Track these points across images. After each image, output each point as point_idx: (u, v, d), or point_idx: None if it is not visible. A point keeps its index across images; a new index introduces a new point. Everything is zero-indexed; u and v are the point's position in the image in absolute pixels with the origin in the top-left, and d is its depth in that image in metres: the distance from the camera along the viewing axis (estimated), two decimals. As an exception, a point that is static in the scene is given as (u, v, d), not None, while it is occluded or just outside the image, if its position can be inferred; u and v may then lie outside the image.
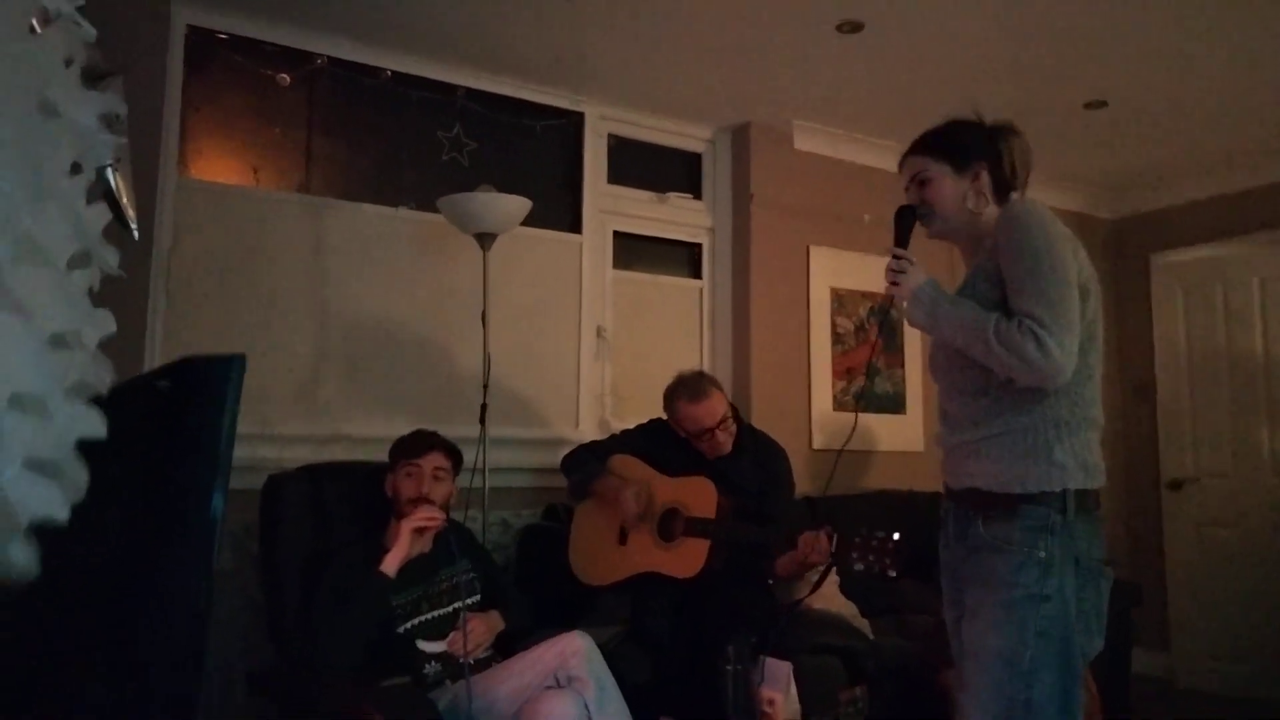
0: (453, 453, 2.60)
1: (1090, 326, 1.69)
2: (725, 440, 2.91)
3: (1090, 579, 1.66)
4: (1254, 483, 4.41)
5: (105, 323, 0.97)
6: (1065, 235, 1.70)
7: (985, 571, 1.69)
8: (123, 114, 1.89)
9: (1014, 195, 1.86)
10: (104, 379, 0.96)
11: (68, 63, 0.96)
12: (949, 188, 1.85)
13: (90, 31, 1.04)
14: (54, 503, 0.88)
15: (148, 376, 1.24)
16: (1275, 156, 4.33)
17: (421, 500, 2.45)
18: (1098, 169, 4.48)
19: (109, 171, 1.87)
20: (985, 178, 1.84)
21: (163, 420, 1.27)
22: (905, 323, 4.26)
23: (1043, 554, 1.63)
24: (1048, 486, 1.65)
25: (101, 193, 1.91)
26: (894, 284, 1.82)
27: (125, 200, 1.93)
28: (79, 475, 0.94)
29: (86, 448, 1.01)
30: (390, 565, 2.37)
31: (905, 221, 1.91)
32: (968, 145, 1.87)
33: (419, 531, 2.43)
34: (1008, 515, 1.67)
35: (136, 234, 2.01)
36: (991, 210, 1.84)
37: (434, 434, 2.61)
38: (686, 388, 2.94)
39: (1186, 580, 4.50)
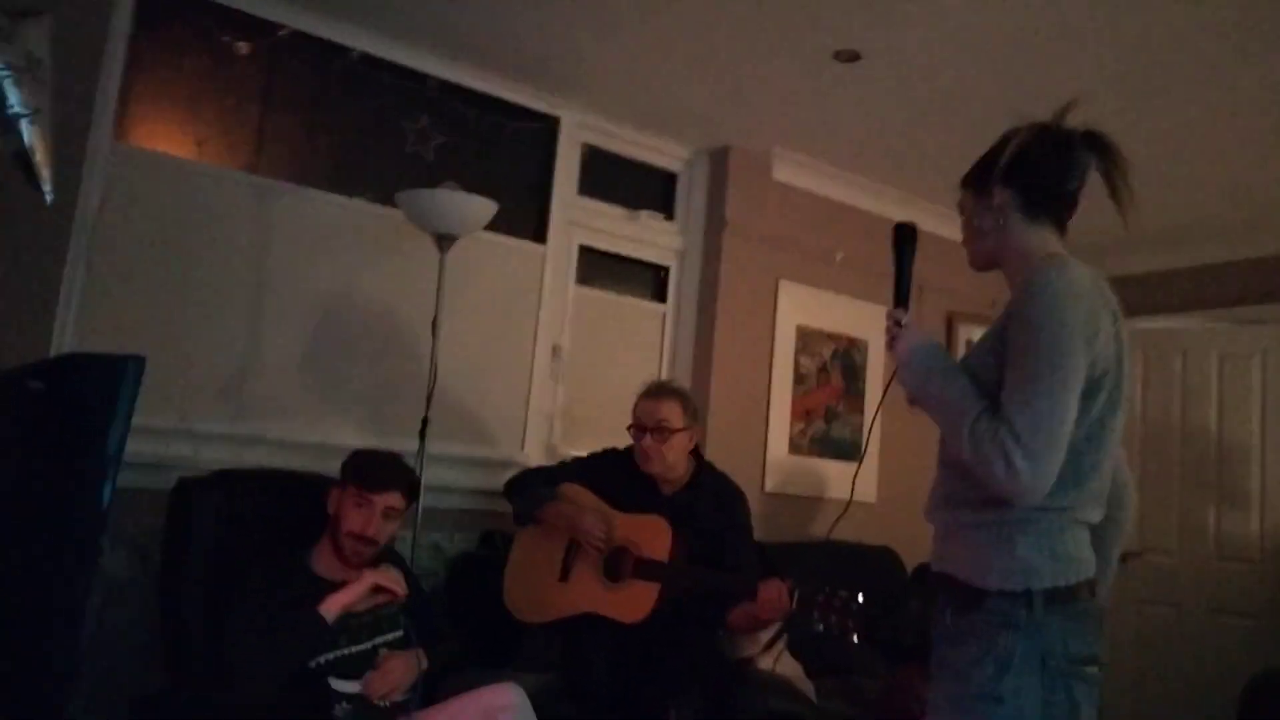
0: (412, 491, 2.37)
1: (1094, 425, 1.52)
2: (653, 452, 2.69)
3: (1060, 680, 1.47)
4: (1198, 564, 4.37)
5: None
6: (1084, 321, 1.49)
7: (944, 661, 1.56)
8: (46, 60, 1.65)
9: (1046, 239, 1.65)
10: None
11: None
12: (973, 215, 1.70)
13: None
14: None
15: (22, 372, 1.04)
16: (1248, 232, 4.32)
17: (364, 541, 2.23)
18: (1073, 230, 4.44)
19: (23, 124, 1.64)
20: (1008, 197, 1.65)
21: (41, 419, 1.09)
22: (867, 369, 4.10)
23: (1001, 651, 1.47)
24: (1007, 585, 1.50)
25: (13, 148, 1.67)
26: (888, 344, 1.68)
27: (39, 158, 1.69)
28: None
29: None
30: (332, 608, 2.12)
31: (904, 244, 1.74)
32: (989, 162, 1.68)
33: (378, 590, 2.20)
34: (972, 607, 1.53)
35: (50, 197, 1.78)
36: (1026, 242, 1.65)
37: (398, 466, 2.35)
38: (650, 385, 2.84)
39: (1124, 658, 4.43)
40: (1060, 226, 1.67)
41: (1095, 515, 1.57)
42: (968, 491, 1.55)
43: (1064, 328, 1.47)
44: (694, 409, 2.81)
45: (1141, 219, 4.11)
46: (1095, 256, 1.66)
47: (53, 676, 1.12)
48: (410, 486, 2.35)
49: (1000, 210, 1.65)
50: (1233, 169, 3.65)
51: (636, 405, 2.77)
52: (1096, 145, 1.63)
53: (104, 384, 1.00)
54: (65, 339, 2.61)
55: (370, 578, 2.19)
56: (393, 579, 2.23)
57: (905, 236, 1.75)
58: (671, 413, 2.71)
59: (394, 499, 2.28)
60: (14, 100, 1.52)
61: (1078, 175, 1.64)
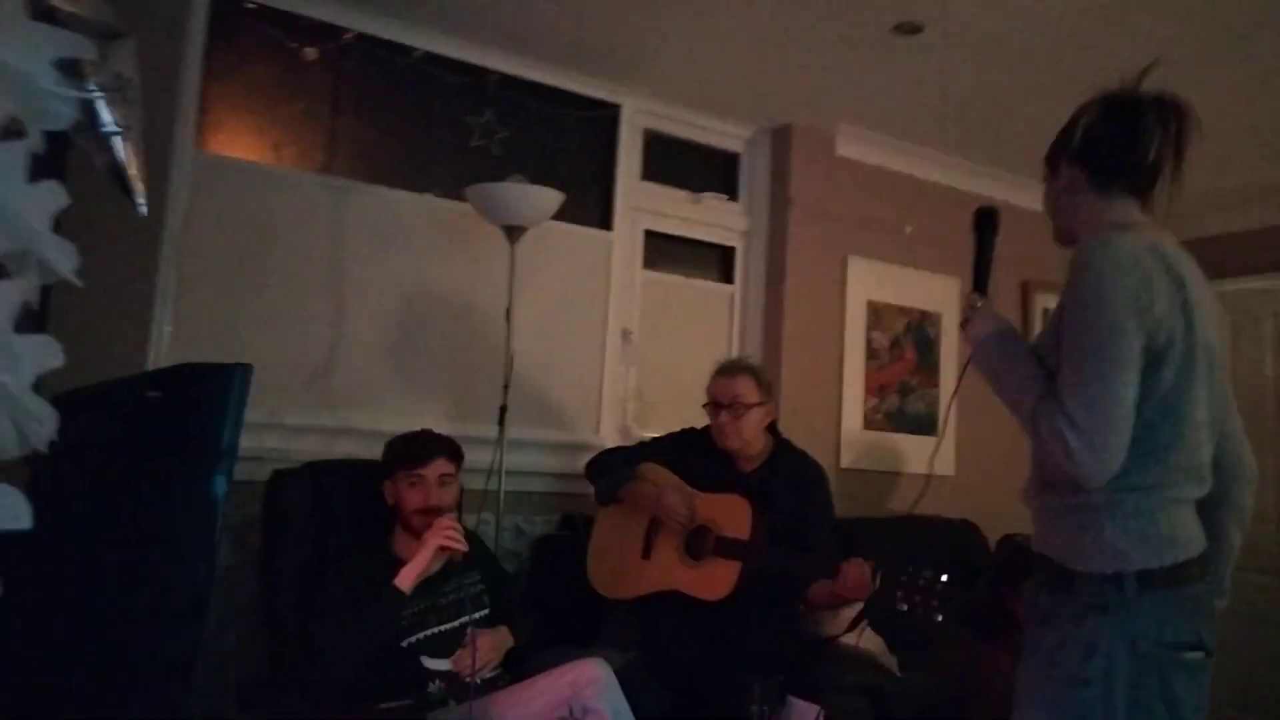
0: (456, 453, 2.44)
1: (1168, 396, 1.46)
2: (729, 428, 2.71)
3: (1152, 666, 1.42)
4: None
5: (43, 352, 0.76)
6: (1133, 293, 1.43)
7: (1035, 643, 1.55)
8: (134, 78, 1.74)
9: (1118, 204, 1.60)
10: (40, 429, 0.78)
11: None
12: (1051, 192, 1.69)
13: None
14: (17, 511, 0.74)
15: (140, 380, 1.12)
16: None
17: (434, 510, 2.30)
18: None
19: (117, 141, 1.72)
20: (1076, 173, 1.62)
21: (158, 426, 1.16)
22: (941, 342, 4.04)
23: (1088, 633, 1.44)
24: (1097, 567, 1.47)
25: (107, 164, 1.76)
26: (962, 325, 1.68)
27: (134, 173, 1.77)
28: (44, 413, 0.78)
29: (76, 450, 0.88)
30: (406, 580, 2.21)
31: (986, 229, 1.73)
32: (1062, 137, 1.66)
33: (442, 549, 2.26)
34: (1064, 588, 1.51)
35: (144, 210, 1.86)
36: (1100, 216, 1.61)
37: (434, 435, 2.44)
38: (724, 363, 2.86)
39: (1219, 630, 4.30)
40: (1140, 196, 1.60)
41: (1196, 491, 1.52)
42: (1053, 475, 1.53)
43: (1109, 303, 1.43)
44: (768, 384, 2.82)
45: (1226, 177, 3.99)
46: (1176, 219, 1.60)
47: (175, 667, 1.17)
48: (451, 450, 2.42)
49: (1070, 188, 1.64)
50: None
51: (711, 384, 2.80)
52: (1166, 108, 1.57)
53: (217, 392, 1.06)
54: (163, 344, 2.74)
55: (432, 542, 2.23)
56: (453, 536, 2.25)
57: (986, 221, 1.74)
58: (746, 388, 2.73)
59: (443, 465, 2.37)
60: (107, 119, 1.59)
61: (1149, 143, 1.57)
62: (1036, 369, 1.53)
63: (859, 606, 2.48)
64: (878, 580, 2.23)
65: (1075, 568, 1.50)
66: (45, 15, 1.01)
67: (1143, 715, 1.42)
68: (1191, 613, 1.47)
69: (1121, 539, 1.46)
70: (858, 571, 2.31)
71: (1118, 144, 1.59)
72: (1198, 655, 1.46)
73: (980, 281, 1.72)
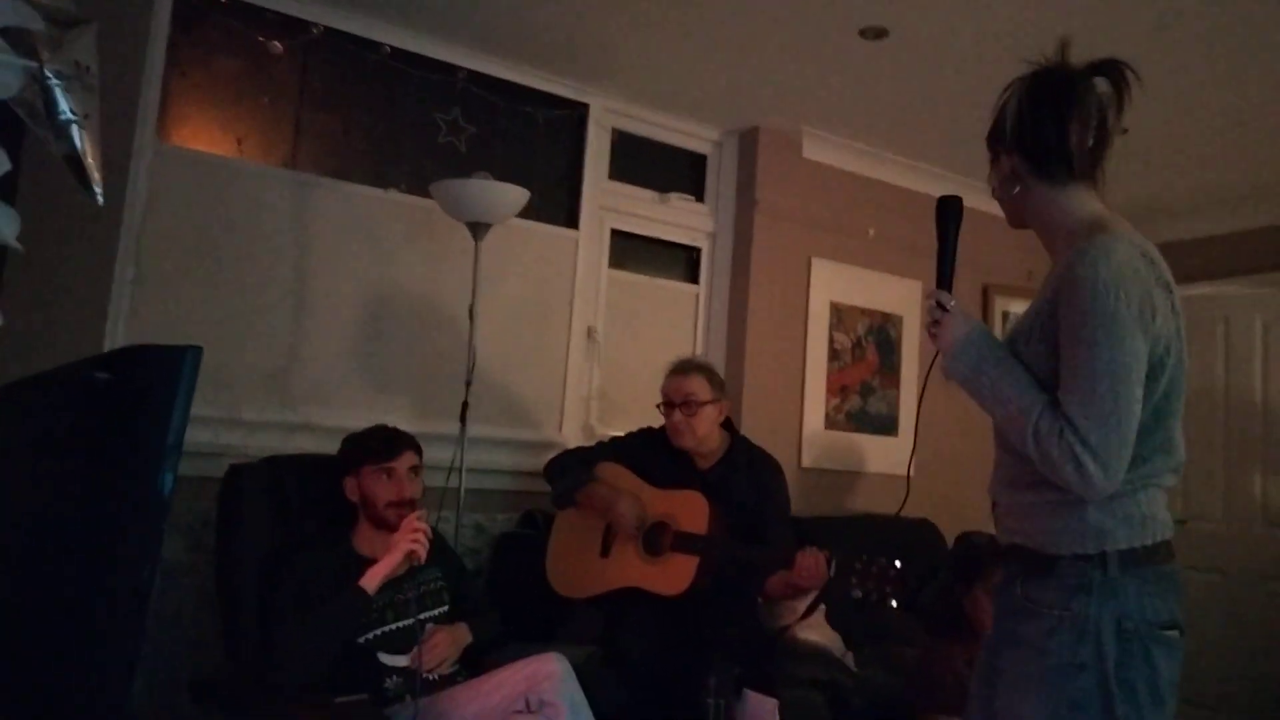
0: (419, 447, 2.46)
1: (1159, 403, 1.46)
2: (683, 426, 2.75)
3: (1137, 644, 1.42)
4: (1243, 530, 4.32)
5: None
6: (1138, 302, 1.41)
7: (1018, 635, 1.51)
8: (93, 67, 1.72)
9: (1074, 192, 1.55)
10: None
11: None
12: (995, 176, 1.62)
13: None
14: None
15: (87, 363, 1.11)
16: (1288, 198, 4.25)
17: (408, 502, 2.31)
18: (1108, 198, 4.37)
19: (74, 130, 1.71)
20: (1009, 159, 1.58)
21: (105, 409, 1.15)
22: (903, 344, 4.06)
23: (1077, 616, 1.43)
24: (1080, 548, 1.46)
25: (65, 153, 1.75)
26: (931, 333, 1.57)
27: (91, 162, 1.76)
28: None
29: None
30: (372, 582, 2.21)
31: (949, 218, 1.65)
32: (996, 122, 1.59)
33: (410, 553, 2.26)
34: (1044, 574, 1.49)
35: (101, 200, 1.85)
36: (1048, 197, 1.57)
37: (396, 431, 2.46)
38: (677, 363, 2.90)
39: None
40: (1089, 179, 1.56)
41: (1172, 480, 1.51)
42: (1033, 476, 1.50)
43: (1118, 317, 1.39)
44: (720, 382, 2.86)
45: (1179, 185, 4.05)
46: (1132, 224, 1.59)
47: (117, 661, 1.16)
48: (415, 443, 2.44)
49: (1013, 177, 1.58)
50: (1273, 131, 3.59)
51: (665, 384, 2.84)
52: (1103, 71, 1.52)
53: (164, 374, 1.04)
54: (118, 336, 2.71)
55: (403, 545, 2.24)
56: (420, 536, 2.25)
57: (949, 211, 1.66)
58: (698, 386, 2.77)
59: (411, 457, 2.40)
60: (64, 107, 1.58)
61: (1087, 119, 1.52)
62: (1028, 379, 1.49)
63: (814, 595, 2.52)
64: (833, 568, 2.26)
65: (1056, 552, 1.48)
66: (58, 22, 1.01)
67: (1129, 694, 1.41)
68: (1167, 591, 1.47)
69: (1106, 519, 1.45)
70: (812, 560, 2.35)
71: (1050, 128, 1.53)
72: (1175, 634, 1.47)
73: (945, 278, 1.63)
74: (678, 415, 2.76)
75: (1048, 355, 1.48)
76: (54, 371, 1.14)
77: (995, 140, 1.62)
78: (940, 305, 1.58)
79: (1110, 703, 1.41)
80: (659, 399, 2.84)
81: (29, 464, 1.21)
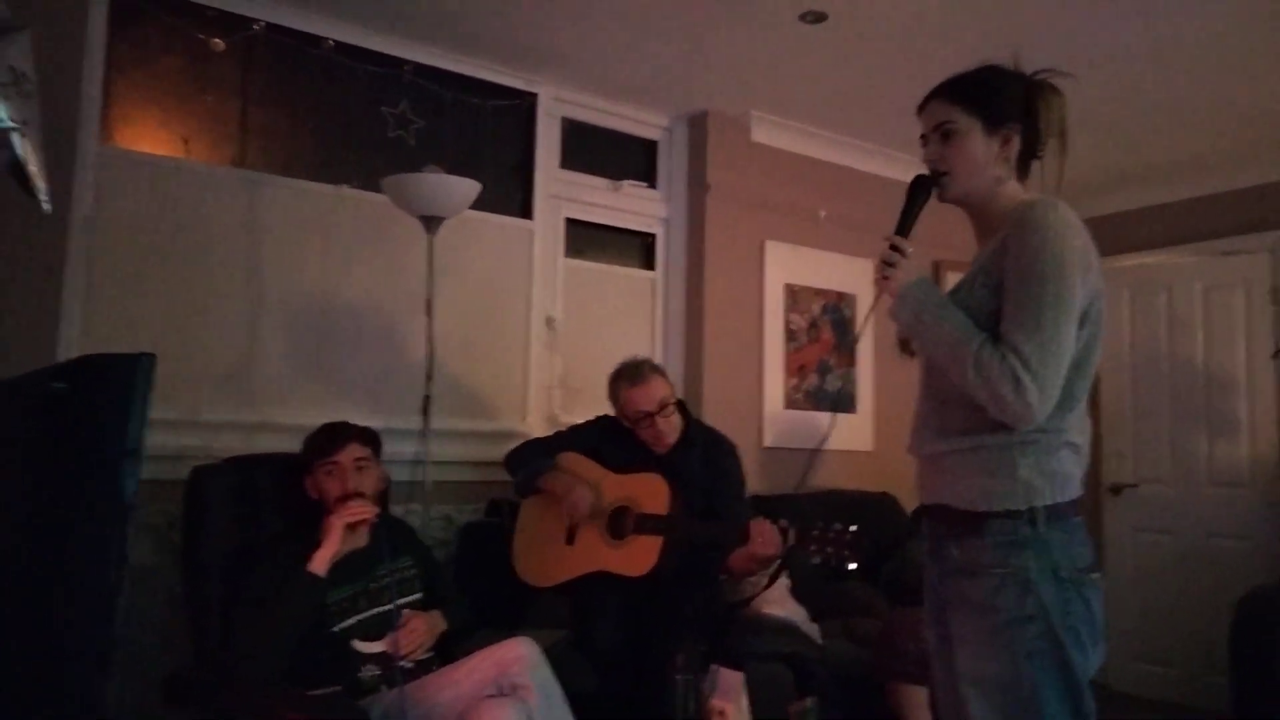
0: (369, 439, 2.47)
1: (1081, 353, 1.57)
2: (666, 428, 2.80)
3: (1073, 590, 1.53)
4: (1191, 491, 4.46)
5: None
6: (1080, 253, 1.55)
7: (964, 596, 1.60)
8: (30, 73, 1.71)
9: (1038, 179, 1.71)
10: None
11: None
12: (977, 147, 1.67)
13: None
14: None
15: (43, 374, 1.11)
16: (1226, 166, 4.36)
17: (354, 495, 2.33)
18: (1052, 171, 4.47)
19: (14, 137, 1.70)
20: (1016, 143, 1.68)
21: (63, 418, 1.16)
22: (856, 322, 4.14)
23: (1019, 571, 1.53)
24: (1011, 505, 1.56)
25: (7, 161, 1.73)
26: (883, 277, 1.66)
27: (34, 169, 1.75)
28: None
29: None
30: (319, 564, 2.23)
31: (920, 194, 1.71)
32: (1005, 100, 1.68)
33: (350, 527, 2.29)
34: (976, 533, 1.58)
35: (47, 206, 1.84)
36: (1012, 186, 1.70)
37: (344, 424, 2.47)
38: (627, 372, 2.87)
39: (1122, 585, 4.54)
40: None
41: (1080, 438, 1.62)
42: (965, 421, 1.60)
43: (1066, 258, 1.52)
44: (665, 370, 2.95)
45: (1122, 157, 4.14)
46: (1075, 196, 1.70)
47: (89, 663, 1.17)
48: (362, 434, 2.45)
49: (1004, 156, 1.68)
50: (1211, 101, 3.68)
51: (625, 396, 2.82)
52: (1054, 95, 1.71)
53: (120, 382, 1.06)
54: (72, 342, 2.69)
55: (337, 520, 2.28)
56: (355, 510, 2.30)
57: (921, 188, 1.72)
58: (664, 388, 2.83)
59: (356, 450, 2.40)
60: (2, 114, 1.58)
61: (1049, 131, 1.71)
62: (968, 320, 1.58)
63: (775, 566, 2.58)
64: (791, 536, 2.32)
65: (987, 508, 1.57)
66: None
67: (1074, 638, 1.52)
68: (1085, 540, 1.59)
69: (1034, 476, 1.56)
70: (764, 527, 2.43)
71: (1036, 125, 1.69)
72: (1098, 575, 1.59)
73: (904, 231, 1.71)
74: (659, 424, 2.79)
75: (989, 297, 1.59)
76: (10, 382, 1.15)
77: (999, 112, 1.68)
78: (896, 248, 1.66)
79: (1061, 648, 1.51)
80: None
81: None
